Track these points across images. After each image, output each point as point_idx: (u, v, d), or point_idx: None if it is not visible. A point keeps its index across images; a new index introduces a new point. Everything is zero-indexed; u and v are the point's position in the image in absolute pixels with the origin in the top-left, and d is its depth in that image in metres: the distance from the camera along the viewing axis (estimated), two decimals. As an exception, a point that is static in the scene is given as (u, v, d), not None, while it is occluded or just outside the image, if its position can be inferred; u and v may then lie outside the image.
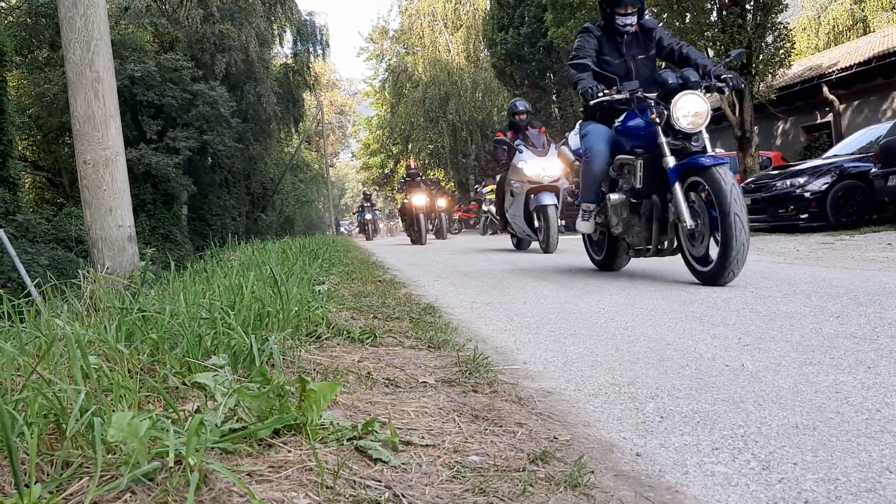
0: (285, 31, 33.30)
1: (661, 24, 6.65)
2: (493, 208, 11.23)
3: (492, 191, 25.71)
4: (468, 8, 42.14)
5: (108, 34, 4.44)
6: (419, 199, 15.55)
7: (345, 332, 2.63)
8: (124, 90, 19.37)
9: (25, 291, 2.94)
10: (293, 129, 36.54)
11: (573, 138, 6.28)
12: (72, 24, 4.25)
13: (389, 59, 50.83)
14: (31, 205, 20.49)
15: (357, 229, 36.39)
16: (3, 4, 18.78)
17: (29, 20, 20.71)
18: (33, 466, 1.06)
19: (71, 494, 1.06)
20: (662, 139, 4.54)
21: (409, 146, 45.81)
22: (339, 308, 3.44)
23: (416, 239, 15.56)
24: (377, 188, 55.71)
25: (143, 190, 20.63)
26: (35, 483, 1.02)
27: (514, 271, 6.07)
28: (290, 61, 34.47)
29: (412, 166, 17.50)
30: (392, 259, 9.18)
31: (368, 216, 26.46)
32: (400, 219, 16.99)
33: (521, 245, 10.22)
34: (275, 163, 35.63)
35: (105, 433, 1.14)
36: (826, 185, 10.07)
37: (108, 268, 4.09)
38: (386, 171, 53.39)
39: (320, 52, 34.83)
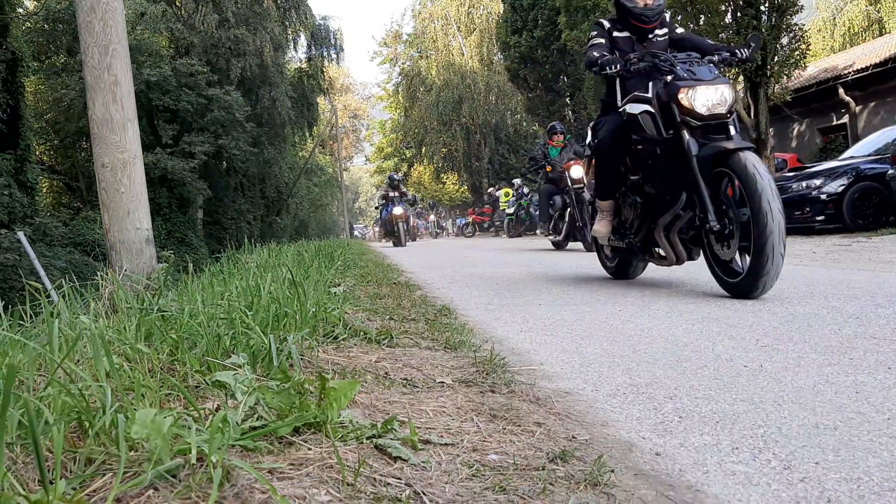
0: (300, 36, 33.54)
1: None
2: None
3: (506, 194, 25.62)
4: (481, 11, 42.27)
5: (126, 38, 4.48)
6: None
7: (361, 333, 2.64)
8: (140, 95, 19.53)
9: (45, 292, 2.96)
10: (307, 133, 36.71)
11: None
12: (90, 29, 4.29)
13: (403, 63, 51.01)
14: (49, 209, 20.67)
15: (379, 230, 22.30)
16: (20, 10, 18.98)
17: (46, 26, 20.95)
18: (58, 463, 1.06)
19: (95, 490, 1.07)
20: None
21: (423, 149, 45.92)
22: (356, 309, 3.45)
23: (627, 271, 5.22)
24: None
25: (159, 194, 20.77)
26: (60, 479, 1.03)
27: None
28: (304, 65, 34.67)
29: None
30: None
31: (398, 210, 17.67)
32: (545, 200, 7.92)
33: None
34: (289, 167, 35.77)
35: (129, 430, 1.15)
36: (842, 187, 10.00)
37: (126, 269, 4.12)
38: (400, 174, 53.50)
39: (334, 56, 35.07)
